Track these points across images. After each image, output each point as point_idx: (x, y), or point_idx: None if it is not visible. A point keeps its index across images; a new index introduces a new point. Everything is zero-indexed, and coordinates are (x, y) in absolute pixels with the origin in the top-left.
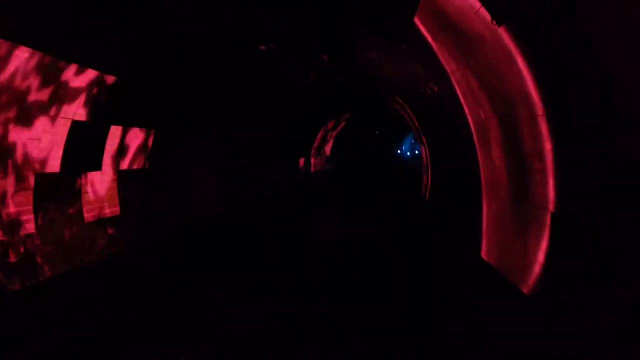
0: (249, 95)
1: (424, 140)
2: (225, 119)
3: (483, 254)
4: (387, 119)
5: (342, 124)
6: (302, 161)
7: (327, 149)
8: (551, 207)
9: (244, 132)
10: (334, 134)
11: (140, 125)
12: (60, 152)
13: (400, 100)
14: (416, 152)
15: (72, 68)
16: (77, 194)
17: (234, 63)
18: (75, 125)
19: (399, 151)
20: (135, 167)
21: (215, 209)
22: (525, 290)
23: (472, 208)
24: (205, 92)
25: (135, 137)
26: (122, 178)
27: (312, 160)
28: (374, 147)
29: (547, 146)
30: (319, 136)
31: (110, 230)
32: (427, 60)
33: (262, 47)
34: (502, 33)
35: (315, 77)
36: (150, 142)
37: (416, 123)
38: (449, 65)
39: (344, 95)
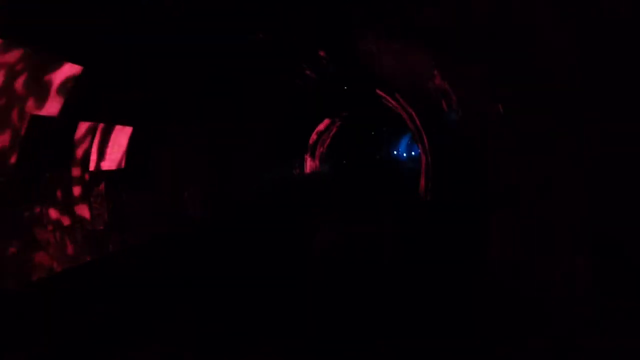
0: (242, 93)
1: (425, 141)
2: (216, 117)
3: (493, 268)
4: (384, 119)
5: (338, 123)
6: (296, 162)
7: (323, 149)
8: (582, 217)
9: (236, 132)
10: (330, 134)
11: (116, 122)
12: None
13: (400, 98)
14: (413, 153)
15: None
16: (38, 197)
17: (223, 56)
18: (35, 120)
19: (395, 152)
20: (110, 167)
21: (205, 212)
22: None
23: (481, 215)
24: (194, 88)
25: (111, 134)
26: (94, 179)
27: (307, 161)
28: (371, 147)
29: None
30: (314, 136)
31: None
32: (433, 52)
33: (255, 38)
34: None
35: (311, 74)
36: (129, 140)
37: (417, 122)
38: None
39: (340, 94)
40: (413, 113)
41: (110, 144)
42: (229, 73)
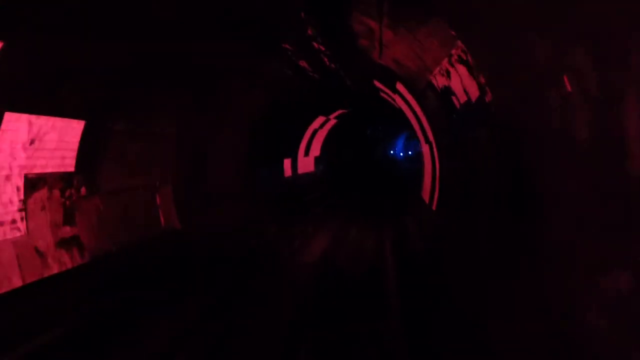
0: (220, 84)
1: (432, 139)
2: (188, 112)
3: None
4: (382, 117)
5: (333, 122)
6: (287, 163)
7: (317, 149)
8: None
9: (213, 129)
10: (324, 133)
11: (60, 114)
12: None
13: (403, 88)
14: (410, 152)
15: None
16: None
17: (198, 40)
18: None
19: (391, 152)
20: (52, 170)
21: (169, 226)
22: None
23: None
24: (160, 74)
25: (53, 130)
26: (31, 185)
27: (300, 161)
28: (366, 147)
29: None
30: (307, 135)
31: None
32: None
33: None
34: None
35: (305, 65)
36: (78, 138)
37: (422, 117)
38: None
39: (335, 89)
40: (417, 107)
41: (54, 141)
42: (206, 63)
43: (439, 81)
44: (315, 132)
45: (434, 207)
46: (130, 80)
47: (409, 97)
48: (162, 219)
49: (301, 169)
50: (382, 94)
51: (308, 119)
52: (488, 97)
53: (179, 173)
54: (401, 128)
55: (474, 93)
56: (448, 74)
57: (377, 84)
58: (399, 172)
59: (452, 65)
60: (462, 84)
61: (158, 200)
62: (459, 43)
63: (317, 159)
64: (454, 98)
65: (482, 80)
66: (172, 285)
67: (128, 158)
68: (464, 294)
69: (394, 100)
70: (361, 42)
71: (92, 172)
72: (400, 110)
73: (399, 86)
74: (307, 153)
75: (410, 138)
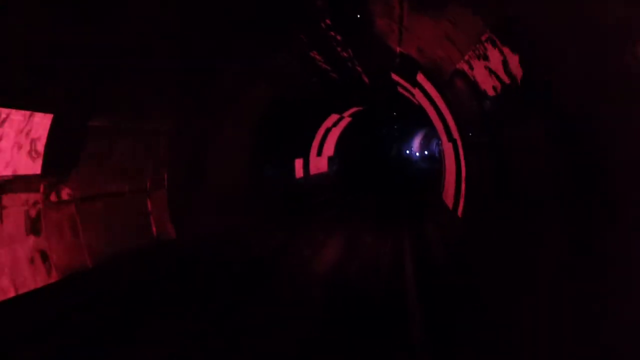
0: (221, 78)
1: (457, 136)
2: (185, 108)
3: None
4: (398, 115)
5: (347, 120)
6: (299, 163)
7: (330, 148)
8: None
9: (214, 127)
10: (339, 131)
11: (21, 106)
12: None
13: (425, 80)
14: (425, 152)
15: None
16: None
17: (197, 27)
18: None
19: (407, 151)
20: (11, 172)
21: (163, 235)
22: None
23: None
24: (151, 65)
25: (11, 125)
26: None
27: (313, 161)
28: (382, 146)
29: None
30: (320, 133)
31: None
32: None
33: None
34: None
35: (316, 56)
36: (45, 134)
37: (446, 111)
38: None
39: (349, 83)
40: (440, 100)
41: (14, 138)
42: (209, 51)
43: (474, 66)
44: (328, 130)
45: (459, 214)
46: (114, 69)
47: (431, 89)
48: (153, 228)
49: (313, 170)
50: (399, 89)
51: (320, 116)
52: (543, 80)
53: (175, 175)
54: (418, 127)
55: (520, 76)
56: (485, 56)
57: (395, 77)
58: (415, 172)
59: (493, 43)
60: (503, 65)
61: (149, 206)
62: (503, 10)
63: (330, 159)
64: (490, 85)
65: (534, 58)
66: (155, 309)
67: (112, 159)
68: (513, 331)
69: (412, 95)
70: (378, 24)
71: (63, 175)
72: (419, 107)
73: (420, 77)
74: (319, 153)
75: (427, 137)
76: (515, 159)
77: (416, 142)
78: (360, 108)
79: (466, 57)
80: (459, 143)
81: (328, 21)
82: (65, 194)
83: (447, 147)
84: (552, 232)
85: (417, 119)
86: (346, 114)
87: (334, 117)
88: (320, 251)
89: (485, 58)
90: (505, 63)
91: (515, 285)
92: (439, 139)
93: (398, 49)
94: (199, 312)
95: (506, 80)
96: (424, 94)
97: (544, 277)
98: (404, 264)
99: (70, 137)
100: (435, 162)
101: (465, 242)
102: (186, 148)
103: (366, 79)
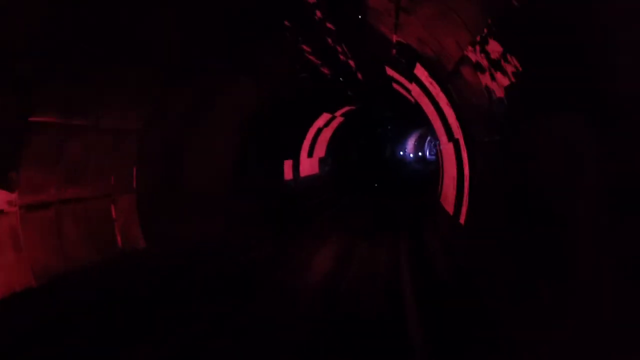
0: (200, 72)
1: (459, 135)
2: (157, 103)
3: None
4: (392, 114)
5: (340, 119)
6: (288, 164)
7: (322, 149)
8: None
9: (193, 125)
10: (330, 131)
11: None
12: None
13: (424, 72)
14: (419, 153)
15: None
16: None
17: (172, 14)
18: None
19: (401, 152)
20: None
21: (130, 245)
22: None
23: None
24: (114, 52)
25: None
26: None
27: (303, 162)
28: (375, 147)
29: None
30: (311, 133)
31: None
32: None
33: None
34: None
35: (306, 48)
36: None
37: (447, 107)
38: None
39: (341, 79)
40: (441, 94)
41: None
42: (174, 42)
43: (488, 50)
44: (320, 130)
45: (461, 221)
46: (63, 54)
47: (430, 83)
48: (118, 237)
49: (304, 172)
50: (394, 85)
51: (311, 116)
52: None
53: (146, 178)
54: (412, 127)
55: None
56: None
57: (390, 71)
58: (410, 173)
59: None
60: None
61: (113, 213)
62: None
63: (321, 160)
64: (504, 73)
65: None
66: (102, 342)
67: (66, 160)
68: None
69: (408, 91)
70: (372, 4)
71: (0, 180)
72: (415, 105)
73: (419, 70)
74: (310, 154)
75: (421, 138)
76: (541, 162)
77: (410, 143)
78: (353, 107)
79: (478, 38)
80: (462, 143)
81: (323, 11)
82: (3, 202)
83: (447, 147)
84: (592, 259)
85: (412, 119)
86: (338, 113)
87: (325, 117)
88: (309, 265)
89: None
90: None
91: (536, 321)
92: (436, 139)
93: (395, 38)
94: (159, 341)
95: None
96: (422, 88)
97: (582, 319)
98: (401, 274)
99: (6, 135)
100: (429, 163)
101: (470, 256)
102: (159, 148)
103: (359, 75)
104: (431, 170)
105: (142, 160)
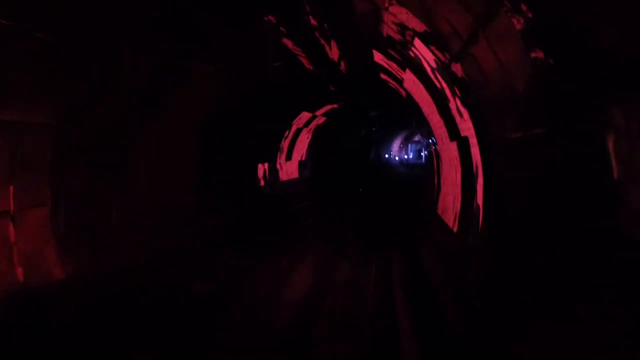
0: (142, 55)
1: (471, 133)
2: (81, 92)
3: None
4: (377, 113)
5: (321, 119)
6: (262, 168)
7: (302, 151)
8: None
9: (138, 122)
10: (311, 132)
11: None
12: None
13: (424, 48)
14: (405, 157)
15: None
16: None
17: None
18: None
19: (386, 155)
20: None
21: (38, 278)
22: None
23: None
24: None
25: None
26: None
27: (280, 167)
28: (359, 150)
29: None
30: (289, 135)
31: None
32: None
33: None
34: None
35: (292, 45)
36: None
37: (453, 97)
38: None
39: (321, 68)
40: (448, 78)
41: None
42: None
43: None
44: (299, 131)
45: (472, 243)
46: None
47: (433, 65)
48: (18, 268)
49: (282, 176)
50: (382, 76)
51: (290, 115)
52: None
53: (68, 188)
54: (399, 128)
55: None
56: None
57: (378, 56)
58: (397, 178)
59: None
60: None
61: (12, 235)
62: None
63: (301, 164)
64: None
65: None
66: None
67: None
68: None
69: (399, 82)
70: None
71: None
72: (406, 99)
73: (418, 49)
74: (289, 157)
75: (407, 139)
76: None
77: (396, 145)
78: (335, 106)
79: None
80: (473, 141)
81: None
82: None
83: (448, 148)
84: None
85: (399, 119)
86: (319, 112)
87: (305, 116)
88: (281, 287)
89: None
90: None
91: None
92: (429, 139)
93: (386, 14)
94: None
95: None
96: (419, 75)
97: None
98: (395, 308)
99: None
100: (414, 167)
101: (491, 296)
102: (88, 151)
103: (343, 65)
104: (418, 174)
105: (62, 165)
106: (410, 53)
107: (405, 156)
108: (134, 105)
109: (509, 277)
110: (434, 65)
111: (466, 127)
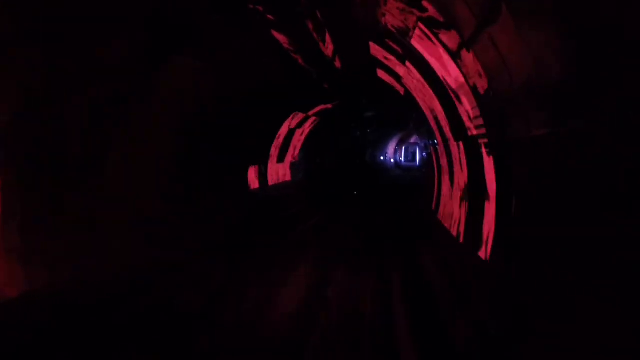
0: (110, 47)
1: (484, 129)
2: (38, 84)
3: None
4: (373, 114)
5: (314, 119)
6: (253, 171)
7: (294, 153)
8: None
9: (111, 122)
10: (304, 133)
11: None
12: None
13: (428, 32)
14: (401, 159)
15: None
16: None
17: None
18: None
19: (382, 157)
20: None
21: None
22: None
23: None
24: None
25: None
26: None
27: (271, 170)
28: (354, 151)
29: None
30: (281, 136)
31: None
32: None
33: None
34: None
35: (283, 39)
36: None
37: (466, 88)
38: None
39: (319, 70)
40: (458, 73)
41: None
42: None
43: None
44: (291, 132)
45: (482, 255)
46: None
47: (439, 53)
48: None
49: (273, 179)
50: (380, 73)
51: (281, 115)
52: None
53: (22, 196)
54: (395, 129)
55: None
56: None
57: (376, 49)
58: (392, 181)
59: None
60: None
61: None
62: None
63: (294, 166)
64: None
65: None
66: None
67: None
68: None
69: (398, 78)
70: None
71: None
72: (405, 97)
73: (421, 31)
74: (281, 159)
75: (403, 141)
76: None
77: (392, 147)
78: (329, 106)
79: None
80: (485, 141)
81: None
82: None
83: (451, 149)
84: None
85: (395, 120)
86: (312, 112)
87: (298, 117)
88: (270, 304)
89: None
90: None
91: None
92: (429, 140)
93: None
94: None
95: None
96: (421, 68)
97: None
98: (399, 335)
99: None
100: (410, 169)
101: (507, 320)
102: (49, 152)
103: (337, 61)
104: (415, 177)
105: (13, 168)
106: (412, 42)
107: (401, 158)
108: (101, 103)
109: (531, 304)
110: (440, 54)
111: (476, 124)
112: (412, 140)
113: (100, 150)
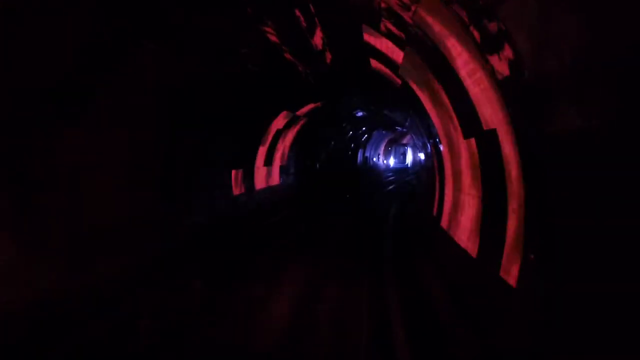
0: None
1: (504, 120)
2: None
3: None
4: (368, 113)
5: (302, 121)
6: (238, 175)
7: (283, 156)
8: None
9: (67, 122)
10: (291, 135)
11: None
12: None
13: (424, 14)
14: (396, 160)
15: None
16: None
17: None
18: None
19: (374, 159)
20: None
21: None
22: None
23: None
24: None
25: None
26: None
27: (257, 173)
28: (346, 153)
29: None
30: (268, 137)
31: None
32: None
33: None
34: None
35: (273, 30)
36: None
37: (479, 76)
38: None
39: (307, 63)
40: (462, 61)
41: None
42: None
43: None
44: (279, 133)
45: (505, 277)
46: None
47: (449, 30)
48: None
49: (259, 184)
50: (373, 63)
51: (268, 113)
52: None
53: None
54: (388, 129)
55: None
56: None
57: (367, 37)
58: (386, 183)
59: None
60: None
61: None
62: None
63: (282, 169)
64: None
65: None
66: None
67: None
68: None
69: (395, 67)
70: None
71: None
72: (402, 89)
73: (415, 15)
74: (269, 161)
75: (393, 142)
76: None
77: (384, 149)
78: (319, 104)
79: None
80: (505, 137)
81: None
82: None
83: (460, 147)
84: None
85: (389, 121)
86: (301, 112)
87: (286, 116)
88: (254, 322)
89: None
90: None
91: None
92: (429, 139)
93: None
94: None
95: None
96: (424, 54)
97: None
98: None
99: None
100: (406, 171)
101: None
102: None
103: (328, 55)
104: (410, 179)
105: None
106: (416, 18)
107: (393, 159)
108: (63, 95)
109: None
110: (453, 28)
111: (494, 116)
112: (404, 141)
113: (59, 144)
